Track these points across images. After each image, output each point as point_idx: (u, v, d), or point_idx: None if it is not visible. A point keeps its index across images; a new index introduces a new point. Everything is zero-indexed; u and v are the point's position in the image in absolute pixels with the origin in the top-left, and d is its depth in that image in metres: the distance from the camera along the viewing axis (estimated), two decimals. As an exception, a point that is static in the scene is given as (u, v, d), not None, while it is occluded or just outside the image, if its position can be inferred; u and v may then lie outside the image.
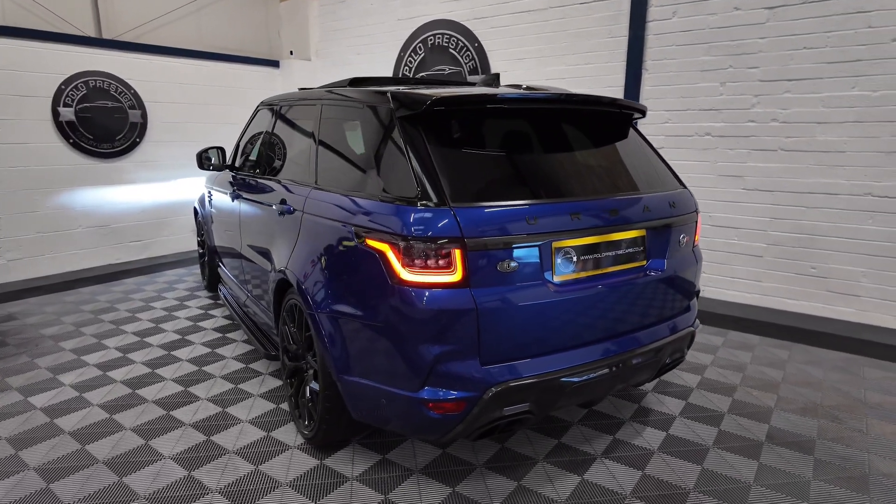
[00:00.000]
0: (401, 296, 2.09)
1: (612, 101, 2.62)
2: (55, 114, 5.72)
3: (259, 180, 3.54)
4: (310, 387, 2.76)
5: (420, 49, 6.59)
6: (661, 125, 5.12)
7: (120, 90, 6.16)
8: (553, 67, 5.72)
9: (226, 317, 4.73)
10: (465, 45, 6.21)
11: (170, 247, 6.85)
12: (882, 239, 4.32)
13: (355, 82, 3.03)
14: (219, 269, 4.85)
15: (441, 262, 2.06)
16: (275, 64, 7.68)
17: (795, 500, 2.41)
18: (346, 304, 2.33)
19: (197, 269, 6.28)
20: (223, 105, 7.13)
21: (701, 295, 4.50)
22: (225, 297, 4.51)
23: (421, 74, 6.65)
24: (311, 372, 2.77)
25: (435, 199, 2.08)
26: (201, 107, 6.92)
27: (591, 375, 2.28)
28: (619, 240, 2.40)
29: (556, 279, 2.23)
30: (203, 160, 4.26)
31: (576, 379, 2.24)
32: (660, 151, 3.25)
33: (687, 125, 5.06)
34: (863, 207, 4.37)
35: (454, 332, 2.06)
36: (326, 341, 2.42)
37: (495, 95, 2.32)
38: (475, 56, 6.17)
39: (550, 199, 2.24)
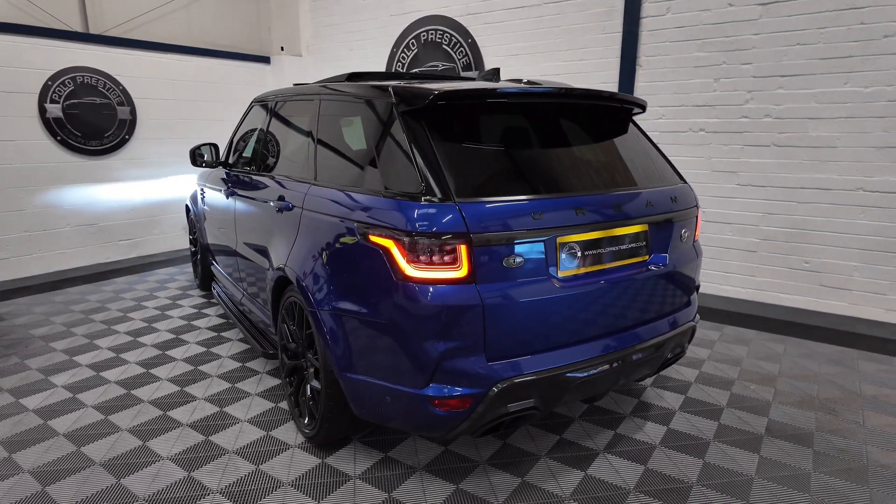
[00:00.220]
0: (406, 292, 2.07)
1: (613, 96, 2.62)
2: (42, 110, 5.61)
3: (255, 177, 3.49)
4: (311, 385, 2.73)
5: (413, 45, 6.56)
6: (655, 121, 5.13)
7: (108, 86, 6.06)
8: (547, 63, 5.72)
9: (220, 315, 4.68)
10: (459, 41, 6.18)
11: (160, 245, 6.75)
12: (873, 233, 4.37)
13: (353, 77, 3.00)
14: (212, 267, 4.79)
15: (446, 257, 2.04)
16: (265, 60, 7.60)
17: (797, 492, 2.43)
18: (348, 301, 2.31)
19: (189, 268, 6.20)
20: (213, 101, 7.05)
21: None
22: (219, 295, 4.46)
23: (414, 70, 6.62)
24: (311, 370, 2.74)
25: (439, 195, 2.06)
26: (191, 103, 6.82)
27: (596, 371, 2.27)
28: (623, 235, 2.40)
29: (561, 274, 2.22)
30: (196, 157, 4.20)
31: (580, 374, 2.24)
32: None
33: (681, 121, 5.08)
34: (855, 202, 4.42)
35: (460, 328, 2.04)
36: (328, 339, 2.40)
37: (498, 90, 2.31)
38: (469, 52, 6.15)
39: (555, 194, 2.23)
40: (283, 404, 3.19)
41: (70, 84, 5.79)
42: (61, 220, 5.85)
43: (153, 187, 6.59)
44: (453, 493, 2.42)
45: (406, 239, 2.05)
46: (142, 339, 4.16)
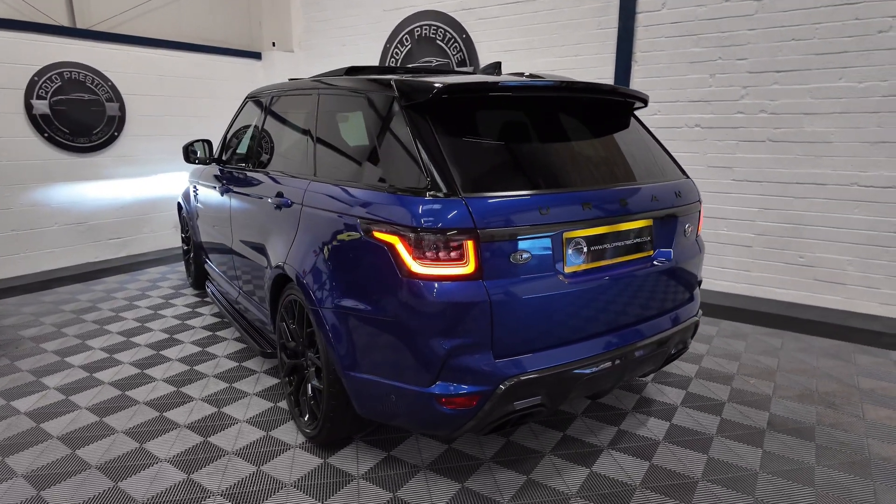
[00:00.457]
0: (411, 289, 2.04)
1: (614, 90, 2.59)
2: (28, 107, 5.50)
3: (251, 173, 3.43)
4: (312, 384, 2.69)
5: (407, 40, 6.51)
6: (650, 117, 5.13)
7: (96, 82, 5.95)
8: (542, 59, 5.70)
9: (215, 314, 4.61)
10: (453, 37, 6.14)
11: (151, 244, 6.66)
12: (867, 228, 4.41)
13: (352, 72, 2.96)
14: (205, 265, 4.72)
15: (453, 253, 2.01)
16: (256, 56, 7.51)
17: (802, 486, 2.43)
18: (352, 298, 2.27)
19: (181, 267, 6.11)
20: (204, 98, 6.95)
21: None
22: (213, 294, 4.40)
23: (409, 66, 6.56)
24: (312, 369, 2.70)
25: (446, 190, 2.03)
26: (182, 99, 6.72)
27: (603, 367, 2.26)
28: (628, 230, 2.38)
29: (567, 270, 2.20)
30: (189, 154, 4.13)
31: (588, 371, 2.22)
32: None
33: (676, 117, 5.09)
34: (849, 197, 4.45)
35: (467, 325, 2.02)
36: (331, 337, 2.36)
37: (503, 83, 2.28)
38: (463, 47, 6.11)
39: (561, 189, 2.21)
40: (283, 404, 3.15)
41: (57, 80, 5.68)
42: (49, 218, 5.74)
43: (143, 185, 6.49)
44: (459, 492, 2.40)
45: (412, 235, 2.02)
46: (135, 340, 4.08)
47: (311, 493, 2.39)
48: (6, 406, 3.14)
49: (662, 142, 5.03)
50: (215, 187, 3.98)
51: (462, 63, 6.16)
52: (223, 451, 2.70)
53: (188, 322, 4.43)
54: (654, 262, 2.49)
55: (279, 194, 2.90)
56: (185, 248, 5.37)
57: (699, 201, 2.78)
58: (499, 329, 2.05)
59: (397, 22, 6.59)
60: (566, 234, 2.17)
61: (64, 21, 5.85)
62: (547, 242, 2.13)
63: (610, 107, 2.73)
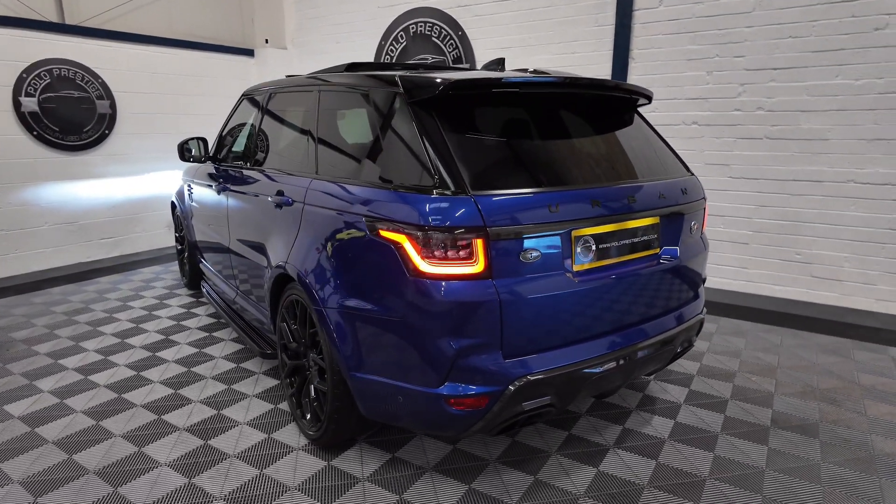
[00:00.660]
0: (420, 289, 2.00)
1: (618, 86, 2.57)
2: (16, 104, 5.39)
3: (249, 171, 3.38)
4: (315, 385, 2.65)
5: (402, 38, 6.46)
6: (648, 114, 5.12)
7: (87, 79, 5.84)
8: (539, 56, 5.67)
9: (210, 315, 4.55)
10: (449, 34, 6.10)
11: (143, 243, 6.56)
12: (864, 225, 4.43)
13: (352, 68, 2.92)
14: (201, 265, 4.66)
15: (462, 252, 1.98)
16: (249, 53, 7.42)
17: (809, 483, 2.43)
18: (357, 298, 2.23)
19: (174, 266, 6.03)
20: (196, 95, 6.86)
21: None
22: (208, 293, 4.33)
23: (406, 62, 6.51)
24: (314, 370, 2.65)
25: (454, 188, 2.00)
26: (174, 97, 6.63)
27: (612, 366, 2.24)
28: (635, 227, 2.36)
29: (576, 268, 2.18)
30: (184, 152, 4.07)
31: (597, 370, 2.20)
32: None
33: (674, 114, 5.08)
34: (846, 194, 4.47)
35: (477, 325, 1.99)
36: (336, 338, 2.32)
37: (510, 79, 2.25)
38: (459, 45, 6.07)
39: (570, 186, 2.18)
40: (283, 405, 3.10)
41: (46, 77, 5.57)
42: (39, 218, 5.64)
43: (135, 183, 6.40)
44: (466, 494, 2.37)
45: (420, 234, 1.99)
46: (130, 341, 4.01)
47: (316, 496, 2.36)
48: (-1, 410, 3.07)
49: (661, 139, 5.07)
50: (211, 186, 3.92)
51: (458, 60, 6.12)
52: (224, 454, 2.66)
53: (183, 323, 4.37)
54: (661, 260, 2.48)
55: (279, 192, 2.85)
56: (179, 247, 5.29)
57: (704, 199, 2.77)
58: (508, 329, 2.02)
59: (392, 19, 6.54)
60: (575, 232, 2.15)
61: (53, 17, 5.74)
62: (556, 240, 2.10)
63: (614, 103, 2.71)
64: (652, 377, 3.43)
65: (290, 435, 2.82)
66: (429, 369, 2.06)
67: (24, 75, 5.41)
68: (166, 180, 6.63)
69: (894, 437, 2.79)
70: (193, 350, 3.85)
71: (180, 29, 6.80)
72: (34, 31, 5.45)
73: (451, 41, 6.10)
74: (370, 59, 6.84)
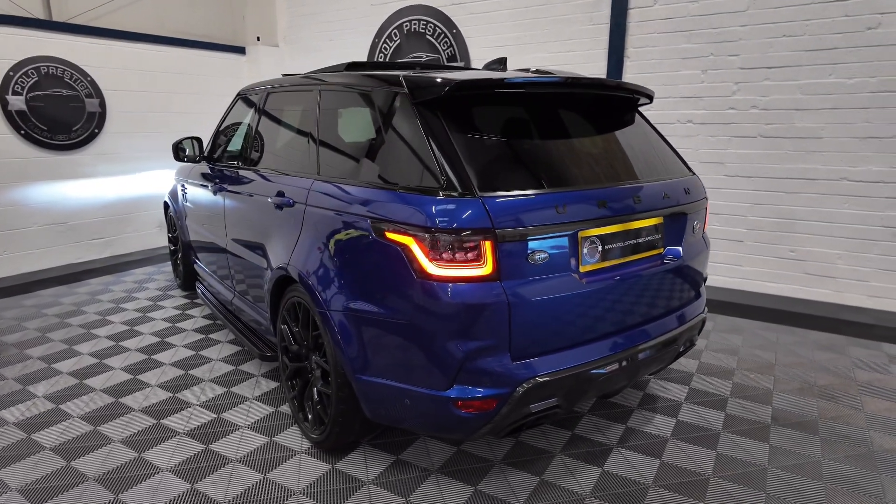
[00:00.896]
0: (427, 291, 1.99)
1: (620, 85, 2.57)
2: (3, 103, 5.28)
3: (247, 172, 3.33)
4: (318, 388, 2.63)
5: (396, 35, 6.42)
6: (644, 113, 5.13)
7: (75, 77, 5.74)
8: (534, 55, 5.66)
9: (206, 316, 4.50)
10: (443, 32, 6.08)
11: (134, 244, 6.47)
12: (856, 222, 4.48)
13: (352, 67, 2.89)
14: (195, 265, 4.60)
15: (470, 254, 1.97)
16: (241, 50, 7.34)
17: (811, 481, 2.45)
18: (363, 301, 2.21)
19: (167, 267, 5.96)
20: (188, 93, 6.77)
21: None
22: (203, 294, 4.28)
23: (400, 60, 6.48)
24: (317, 372, 2.63)
25: (461, 189, 1.99)
26: (164, 95, 6.54)
27: (618, 366, 2.24)
28: (640, 228, 2.37)
29: (582, 269, 2.18)
30: (179, 151, 4.01)
31: (604, 370, 2.20)
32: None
33: (669, 112, 5.10)
34: (839, 191, 4.52)
35: (485, 327, 1.98)
36: (340, 340, 2.30)
37: (519, 80, 2.24)
38: (453, 43, 6.05)
39: (576, 187, 2.18)
40: (284, 408, 3.07)
41: (34, 74, 5.47)
42: (28, 218, 5.54)
43: (125, 183, 6.30)
44: (472, 496, 2.37)
45: (427, 236, 1.97)
46: (125, 344, 3.96)
47: (321, 500, 2.34)
48: (-7, 416, 3.01)
49: (657, 138, 5.09)
50: (207, 186, 3.87)
51: (452, 58, 6.10)
52: (226, 458, 2.63)
53: (179, 325, 4.32)
54: (665, 260, 2.49)
55: (280, 193, 2.81)
56: (173, 248, 5.23)
57: (706, 198, 2.78)
58: (516, 330, 2.01)
59: (386, 16, 6.50)
60: (581, 233, 2.15)
61: (40, 14, 5.63)
62: (563, 242, 2.10)
63: (616, 103, 2.71)
64: (652, 376, 3.45)
65: (292, 438, 2.79)
66: (437, 372, 2.05)
67: (11, 73, 5.30)
68: (157, 180, 6.54)
69: (892, 434, 2.82)
70: (190, 352, 3.81)
71: (171, 26, 6.71)
72: (21, 29, 5.34)
73: (446, 39, 6.08)
74: (363, 56, 6.80)
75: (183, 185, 4.54)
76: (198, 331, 4.19)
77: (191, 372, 3.51)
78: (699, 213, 2.69)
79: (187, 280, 4.92)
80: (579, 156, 2.37)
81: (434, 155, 2.06)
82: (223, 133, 3.98)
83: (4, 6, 5.33)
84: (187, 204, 4.47)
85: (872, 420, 2.95)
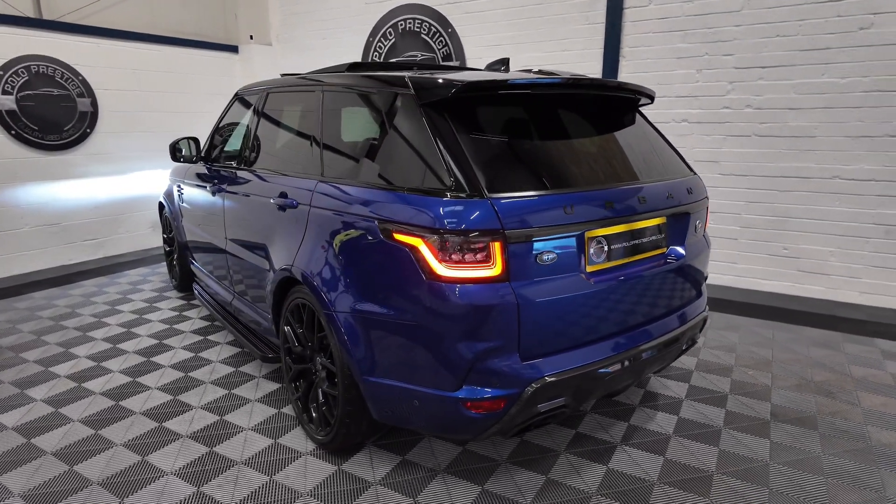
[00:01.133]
0: (437, 292, 1.99)
1: (621, 86, 2.58)
2: (-7, 102, 5.21)
3: (248, 172, 3.31)
4: (323, 389, 2.63)
5: (391, 34, 6.41)
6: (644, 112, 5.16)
7: (66, 76, 5.67)
8: (529, 54, 5.68)
9: (203, 318, 4.47)
10: (439, 31, 6.07)
11: (127, 244, 6.41)
12: (849, 219, 4.54)
13: (353, 68, 2.88)
14: (192, 266, 4.57)
15: (479, 255, 1.97)
16: (233, 49, 7.28)
17: (812, 475, 2.49)
18: (370, 302, 2.21)
19: (161, 268, 5.91)
20: (180, 93, 6.71)
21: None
22: (200, 295, 4.26)
23: (394, 60, 6.47)
24: (322, 374, 2.63)
25: (470, 190, 1.99)
26: (156, 94, 6.47)
27: (625, 365, 2.26)
28: (644, 227, 2.39)
29: (589, 269, 2.19)
30: (176, 152, 3.98)
31: (610, 369, 2.22)
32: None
33: (664, 112, 5.13)
34: (831, 190, 4.58)
35: (495, 328, 1.98)
36: (348, 342, 2.29)
37: (523, 81, 2.24)
38: (448, 42, 6.05)
39: (583, 188, 2.19)
40: (287, 409, 3.06)
41: (24, 74, 5.39)
42: (19, 219, 5.46)
43: (118, 183, 6.24)
44: (480, 495, 2.38)
45: (436, 237, 1.98)
46: (122, 346, 3.92)
47: (329, 501, 2.34)
48: (-9, 421, 2.98)
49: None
50: (205, 186, 3.84)
51: (448, 57, 6.10)
52: (231, 461, 2.62)
53: (176, 326, 4.28)
54: (668, 260, 2.51)
55: (282, 194, 2.80)
56: (168, 249, 5.18)
57: (707, 197, 2.80)
58: (525, 331, 2.02)
59: (380, 15, 6.48)
60: (588, 234, 2.16)
61: (29, 12, 5.55)
62: (571, 242, 2.11)
63: (619, 103, 2.73)
64: (654, 374, 3.47)
65: (296, 439, 2.79)
66: (446, 373, 2.05)
67: (1, 73, 5.22)
68: (150, 180, 6.48)
69: (890, 428, 2.87)
70: (189, 354, 3.78)
71: (162, 24, 6.65)
72: (10, 27, 5.26)
73: (441, 38, 6.07)
74: (357, 54, 6.77)
75: (179, 186, 4.50)
76: (196, 332, 4.16)
77: (191, 374, 3.49)
78: (701, 213, 2.72)
79: (183, 281, 4.88)
80: (584, 156, 2.38)
81: (442, 156, 2.07)
82: (221, 133, 3.96)
83: (-7, 4, 5.25)
84: (184, 205, 4.43)
85: (869, 415, 3.00)
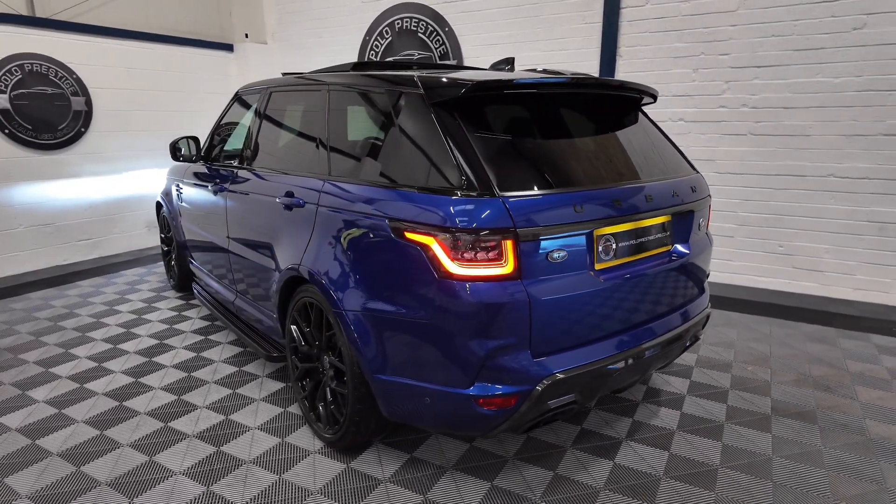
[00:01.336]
0: (449, 290, 2.01)
1: (623, 85, 2.61)
2: (-13, 101, 5.15)
3: (251, 172, 3.31)
4: (331, 388, 2.63)
5: (387, 33, 6.40)
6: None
7: (61, 75, 5.62)
8: (526, 53, 5.70)
9: (203, 317, 4.45)
10: (435, 30, 6.08)
11: (122, 244, 6.36)
12: (842, 217, 4.61)
13: (358, 68, 2.89)
14: (191, 266, 4.55)
15: (492, 254, 1.99)
16: (228, 48, 7.24)
17: (815, 468, 2.54)
18: (381, 301, 2.22)
19: (158, 268, 5.87)
20: (175, 91, 6.67)
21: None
22: (201, 295, 4.24)
23: (391, 59, 6.47)
24: (330, 372, 2.63)
25: (482, 189, 2.01)
26: (151, 93, 6.43)
27: (632, 361, 2.29)
28: (650, 225, 2.42)
29: (597, 267, 2.22)
30: (176, 151, 3.96)
31: (619, 366, 2.24)
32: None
33: (660, 111, 5.17)
34: (826, 188, 4.64)
35: (507, 325, 2.01)
36: (358, 340, 2.30)
37: (533, 81, 2.26)
38: (446, 41, 6.06)
39: (592, 186, 2.21)
40: (292, 408, 3.07)
41: (17, 72, 5.33)
42: (13, 220, 5.41)
43: (113, 183, 6.19)
44: (489, 491, 2.40)
45: (449, 236, 1.99)
46: (123, 347, 3.90)
47: (340, 499, 2.35)
48: (-6, 423, 2.96)
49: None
50: (207, 186, 3.83)
51: (445, 56, 6.11)
52: (240, 460, 2.62)
53: (176, 326, 4.27)
54: (673, 257, 2.54)
55: (289, 194, 2.80)
56: (166, 248, 5.16)
57: (709, 196, 2.84)
58: (537, 328, 2.04)
59: (377, 14, 6.47)
60: (597, 232, 2.19)
61: (22, 10, 5.49)
62: (581, 240, 2.14)
63: (623, 102, 2.76)
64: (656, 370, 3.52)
65: (304, 438, 2.79)
66: (458, 370, 2.07)
67: (-6, 71, 5.17)
68: (145, 179, 6.44)
69: (887, 421, 2.93)
70: (191, 354, 3.77)
71: (157, 23, 6.60)
72: (3, 25, 5.19)
73: (438, 37, 6.08)
74: (354, 54, 6.76)
75: (178, 185, 4.47)
76: (196, 332, 4.15)
77: (194, 374, 3.48)
78: (704, 211, 2.75)
79: (182, 281, 4.86)
80: (590, 155, 2.41)
81: (453, 155, 2.08)
82: (222, 132, 3.94)
83: (-14, 2, 5.19)
84: (183, 204, 4.41)
85: (867, 409, 3.06)
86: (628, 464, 2.58)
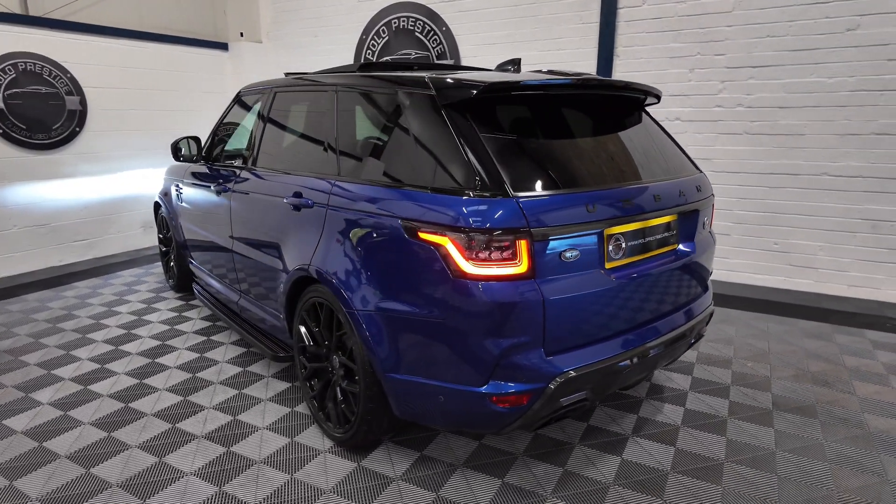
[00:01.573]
0: (464, 290, 2.03)
1: (628, 85, 2.64)
2: (-20, 101, 5.09)
3: (256, 172, 3.30)
4: (342, 387, 2.65)
5: (384, 32, 6.40)
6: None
7: (55, 74, 5.56)
8: (524, 53, 5.73)
9: (205, 318, 4.44)
10: (433, 29, 6.09)
11: (118, 245, 6.32)
12: (837, 215, 4.69)
13: (364, 68, 2.90)
14: (191, 266, 4.53)
15: (506, 253, 2.01)
16: (223, 46, 7.21)
17: (817, 462, 2.59)
18: (394, 300, 2.24)
19: (155, 269, 5.83)
20: (170, 90, 6.62)
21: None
22: (201, 296, 4.23)
23: (387, 59, 6.47)
24: (340, 371, 2.65)
25: (496, 189, 2.03)
26: (146, 92, 6.38)
27: (642, 358, 2.33)
28: (657, 224, 2.45)
29: (608, 266, 2.25)
30: (178, 151, 3.94)
31: (628, 363, 2.28)
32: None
33: (657, 110, 5.22)
34: (820, 186, 4.72)
35: (521, 324, 2.03)
36: (370, 340, 2.32)
37: (544, 82, 2.29)
38: (443, 40, 6.07)
39: (602, 186, 2.25)
40: (300, 408, 3.08)
41: (11, 71, 5.27)
42: (7, 220, 5.35)
43: (108, 183, 6.14)
44: (501, 488, 2.42)
45: (463, 236, 2.01)
46: (125, 348, 3.88)
47: (352, 497, 2.36)
48: (-1, 426, 2.94)
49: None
50: (209, 186, 3.81)
51: (442, 56, 6.12)
52: (251, 460, 2.62)
53: (178, 327, 4.25)
54: (678, 256, 2.58)
55: (297, 194, 2.81)
56: (164, 249, 5.13)
57: (713, 195, 2.89)
58: (550, 327, 2.07)
59: (373, 13, 6.47)
60: (607, 231, 2.22)
61: (15, 8, 5.43)
62: (593, 239, 2.17)
63: (628, 103, 2.79)
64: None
65: (313, 437, 2.80)
66: (473, 369, 2.10)
67: (-12, 70, 5.11)
68: (141, 179, 6.39)
69: (885, 415, 3.00)
70: (194, 355, 3.76)
71: (151, 21, 6.55)
72: (-3, 23, 5.15)
73: (435, 37, 6.09)
74: (351, 53, 6.75)
75: (178, 185, 4.45)
76: (198, 333, 4.14)
77: (198, 375, 3.48)
78: (708, 210, 2.80)
79: (181, 281, 4.83)
80: (599, 154, 2.44)
81: (466, 156, 2.10)
82: (224, 132, 3.93)
83: (-21, 0, 5.12)
84: (183, 204, 4.39)
85: (865, 403, 3.13)
86: (636, 459, 2.62)
